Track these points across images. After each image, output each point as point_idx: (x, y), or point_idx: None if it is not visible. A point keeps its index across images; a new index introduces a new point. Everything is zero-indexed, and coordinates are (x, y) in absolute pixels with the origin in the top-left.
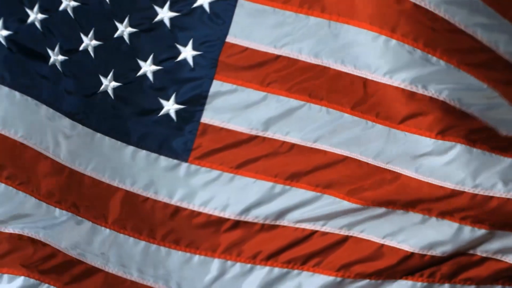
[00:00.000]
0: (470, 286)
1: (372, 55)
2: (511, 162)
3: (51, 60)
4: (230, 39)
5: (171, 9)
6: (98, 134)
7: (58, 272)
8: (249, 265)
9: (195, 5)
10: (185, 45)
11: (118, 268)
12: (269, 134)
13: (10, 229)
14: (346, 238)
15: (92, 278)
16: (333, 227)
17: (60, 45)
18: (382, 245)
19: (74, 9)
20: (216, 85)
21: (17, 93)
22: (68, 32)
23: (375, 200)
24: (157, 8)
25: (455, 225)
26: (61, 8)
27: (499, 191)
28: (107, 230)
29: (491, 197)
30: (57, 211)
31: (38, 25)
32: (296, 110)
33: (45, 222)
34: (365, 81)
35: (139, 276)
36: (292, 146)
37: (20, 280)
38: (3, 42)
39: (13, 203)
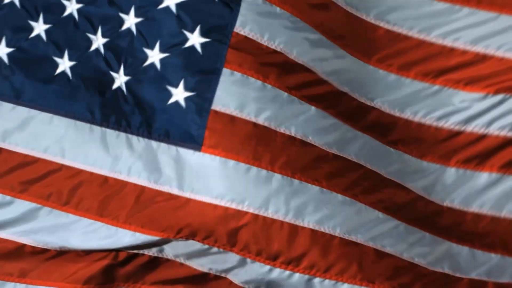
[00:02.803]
0: None
1: None
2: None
3: (59, 68)
4: (238, 29)
5: None
6: (108, 130)
7: None
8: (268, 267)
9: None
10: (192, 31)
11: None
12: (273, 125)
13: None
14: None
15: None
16: (349, 236)
17: (68, 51)
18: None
19: (79, 11)
20: (226, 74)
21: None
22: (73, 36)
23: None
24: None
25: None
26: (65, 14)
27: None
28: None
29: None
30: None
31: (43, 36)
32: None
33: None
34: None
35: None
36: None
37: None
38: (5, 60)
39: None
